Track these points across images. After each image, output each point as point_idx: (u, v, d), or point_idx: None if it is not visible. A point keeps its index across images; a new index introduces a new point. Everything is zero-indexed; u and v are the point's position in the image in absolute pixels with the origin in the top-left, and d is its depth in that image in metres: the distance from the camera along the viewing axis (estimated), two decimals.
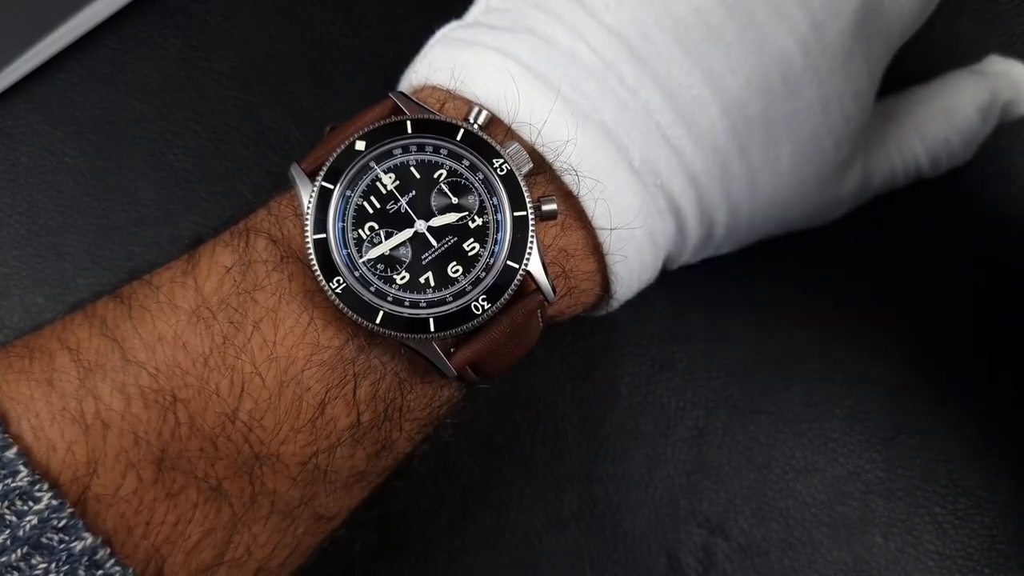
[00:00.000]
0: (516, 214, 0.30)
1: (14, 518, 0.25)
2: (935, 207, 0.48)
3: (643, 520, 0.45)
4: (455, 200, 0.30)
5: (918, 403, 0.46)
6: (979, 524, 0.44)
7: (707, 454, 0.46)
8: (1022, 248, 0.48)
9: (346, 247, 0.30)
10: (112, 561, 0.26)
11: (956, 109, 0.44)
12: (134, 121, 0.49)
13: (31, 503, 0.25)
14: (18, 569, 0.25)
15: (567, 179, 0.32)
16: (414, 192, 0.30)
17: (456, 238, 0.30)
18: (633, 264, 0.34)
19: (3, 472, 0.26)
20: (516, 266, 0.30)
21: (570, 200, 0.32)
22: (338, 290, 0.29)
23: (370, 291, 0.29)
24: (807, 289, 0.48)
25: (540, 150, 0.31)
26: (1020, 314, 0.47)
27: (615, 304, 0.36)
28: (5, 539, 0.25)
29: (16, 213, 0.47)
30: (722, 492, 0.45)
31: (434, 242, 0.30)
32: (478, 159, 0.30)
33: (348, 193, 0.30)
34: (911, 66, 0.46)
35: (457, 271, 0.30)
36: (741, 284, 0.48)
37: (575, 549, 0.44)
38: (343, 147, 0.30)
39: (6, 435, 0.26)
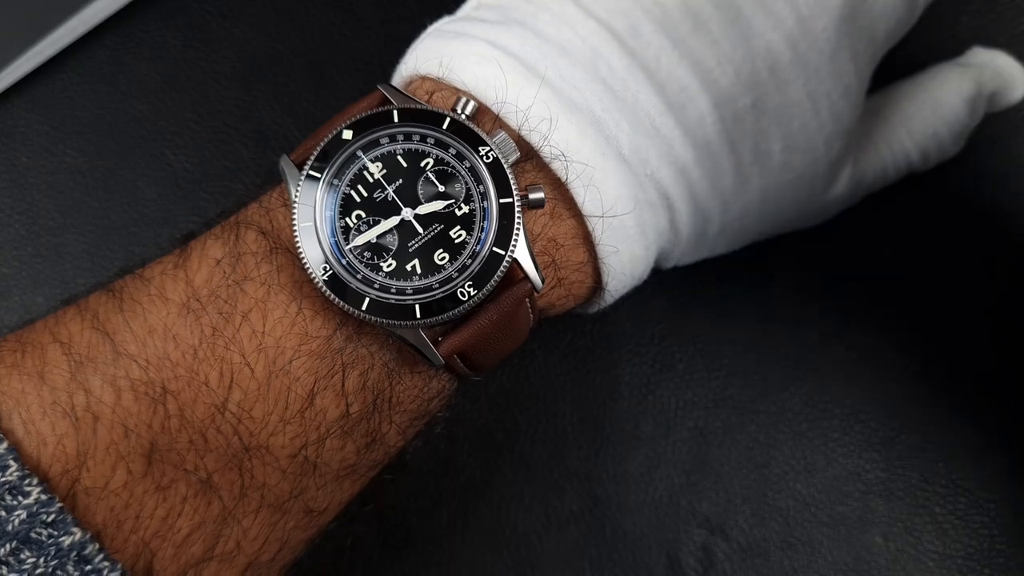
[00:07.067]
0: (502, 201, 0.30)
1: (3, 513, 0.25)
2: (934, 205, 0.48)
3: (643, 520, 0.45)
4: (442, 188, 0.31)
5: (918, 403, 0.45)
6: (979, 524, 0.44)
7: (707, 454, 0.45)
8: (1022, 247, 0.47)
9: (333, 235, 0.30)
10: (101, 556, 0.26)
11: (943, 102, 0.44)
12: (134, 121, 0.49)
13: (20, 498, 0.25)
14: (7, 564, 0.25)
15: (556, 166, 0.32)
16: (401, 180, 0.31)
17: (443, 226, 0.30)
18: (624, 256, 0.34)
19: None
20: (502, 252, 0.30)
21: (559, 188, 0.32)
22: (325, 277, 0.29)
23: (357, 278, 0.29)
24: (807, 289, 0.47)
25: (527, 137, 0.31)
26: (1021, 312, 0.46)
27: (608, 298, 0.36)
28: None
29: (16, 213, 0.47)
30: (722, 492, 0.45)
31: (421, 230, 0.30)
32: (464, 147, 0.30)
33: (335, 182, 0.30)
34: (911, 65, 0.46)
35: (444, 258, 0.30)
36: (741, 284, 0.47)
37: (575, 549, 0.44)
38: (330, 137, 0.31)
39: None
